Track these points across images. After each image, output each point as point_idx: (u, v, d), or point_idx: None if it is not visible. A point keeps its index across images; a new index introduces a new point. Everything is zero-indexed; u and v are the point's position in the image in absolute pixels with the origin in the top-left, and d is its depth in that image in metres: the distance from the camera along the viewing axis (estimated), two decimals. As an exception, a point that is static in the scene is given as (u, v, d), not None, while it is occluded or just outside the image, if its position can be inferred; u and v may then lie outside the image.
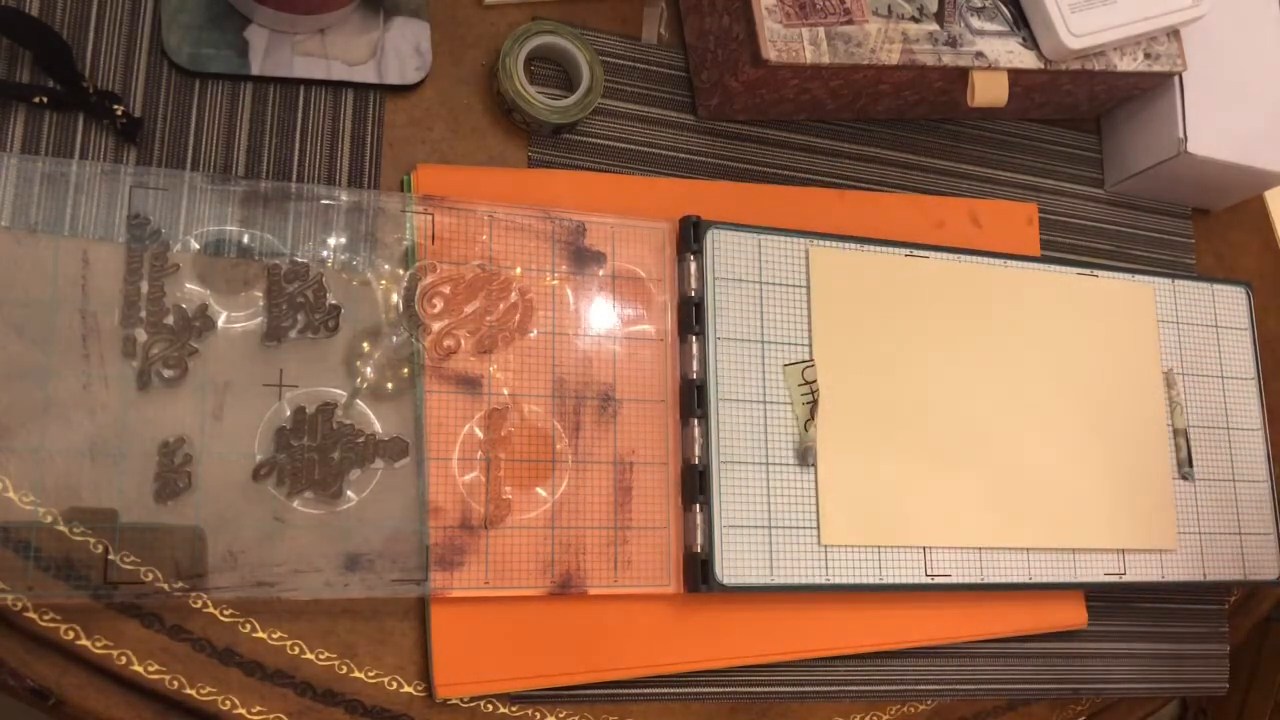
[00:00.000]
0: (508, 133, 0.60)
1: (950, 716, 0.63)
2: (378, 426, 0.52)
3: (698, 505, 0.55)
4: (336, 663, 0.51)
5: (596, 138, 0.61)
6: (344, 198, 0.53)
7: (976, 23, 0.63)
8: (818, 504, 0.58)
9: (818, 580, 0.57)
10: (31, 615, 0.47)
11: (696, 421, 0.56)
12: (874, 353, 0.61)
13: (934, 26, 0.61)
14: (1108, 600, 0.67)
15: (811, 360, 0.59)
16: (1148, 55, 0.67)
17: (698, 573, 0.55)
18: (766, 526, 0.56)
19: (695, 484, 0.56)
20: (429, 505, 0.52)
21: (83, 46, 0.53)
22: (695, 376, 0.57)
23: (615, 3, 0.64)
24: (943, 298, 0.63)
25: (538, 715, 0.54)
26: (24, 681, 0.47)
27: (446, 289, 0.54)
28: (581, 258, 0.57)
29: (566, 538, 0.54)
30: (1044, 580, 0.62)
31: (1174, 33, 0.68)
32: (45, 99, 0.51)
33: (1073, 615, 0.66)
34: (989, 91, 0.63)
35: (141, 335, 0.49)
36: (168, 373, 0.49)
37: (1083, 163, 0.75)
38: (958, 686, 0.63)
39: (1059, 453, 0.64)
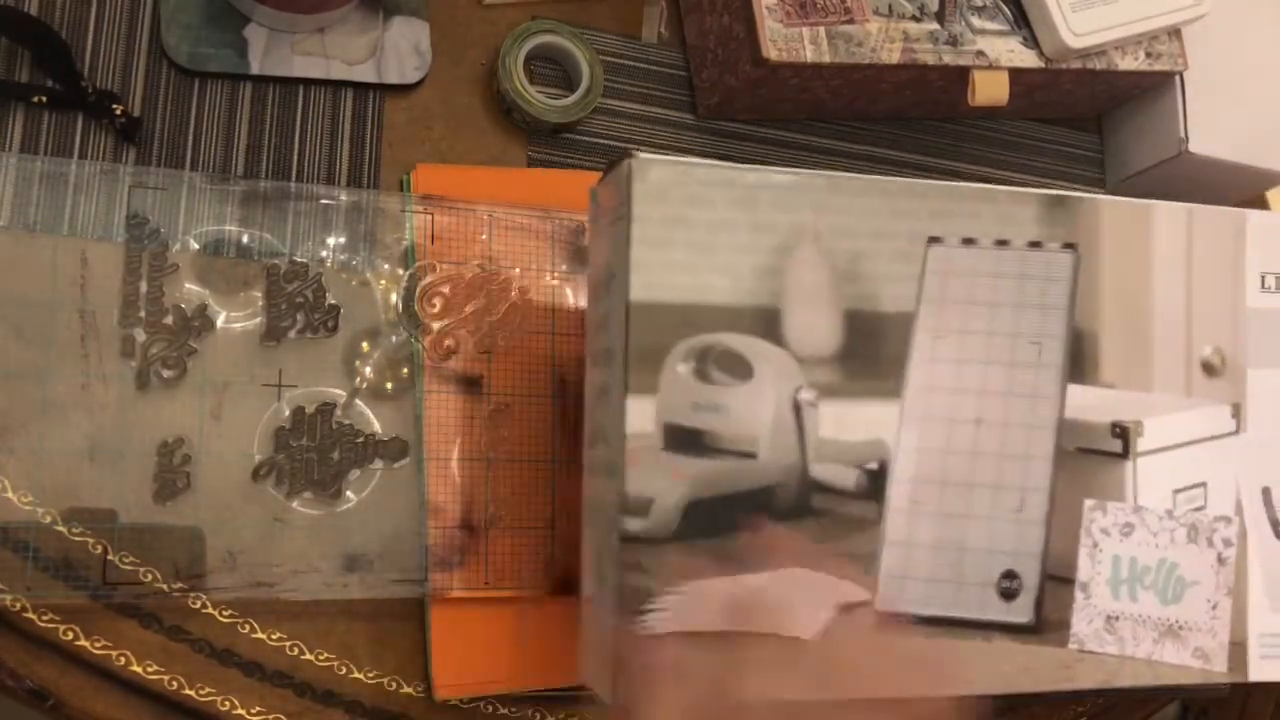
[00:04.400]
0: (507, 132, 0.60)
1: (951, 717, 0.63)
2: (377, 426, 0.52)
3: (698, 505, 0.55)
4: (336, 663, 0.51)
5: (596, 137, 0.61)
6: (343, 197, 0.53)
7: (977, 22, 0.62)
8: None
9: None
10: (30, 616, 0.47)
11: (697, 421, 0.56)
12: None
13: (934, 26, 0.61)
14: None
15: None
16: (1149, 54, 0.67)
17: (698, 573, 0.54)
18: (767, 527, 0.56)
19: (695, 484, 0.55)
20: (428, 505, 0.52)
21: (82, 46, 0.53)
22: (695, 376, 0.57)
23: (615, 2, 0.64)
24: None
25: (537, 716, 0.54)
26: (23, 682, 0.47)
27: (446, 289, 0.54)
28: (581, 258, 0.57)
29: (566, 538, 0.54)
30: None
31: (1175, 32, 0.67)
32: (44, 98, 0.51)
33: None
34: (990, 91, 0.62)
35: (140, 335, 0.49)
36: (167, 373, 0.49)
37: (1084, 162, 0.75)
38: (958, 687, 0.62)
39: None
